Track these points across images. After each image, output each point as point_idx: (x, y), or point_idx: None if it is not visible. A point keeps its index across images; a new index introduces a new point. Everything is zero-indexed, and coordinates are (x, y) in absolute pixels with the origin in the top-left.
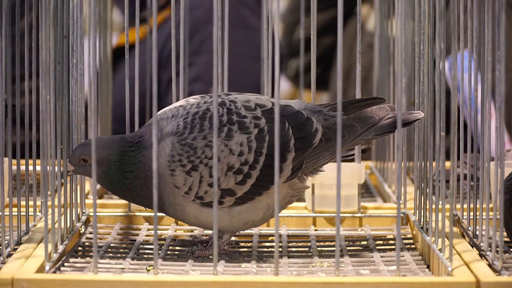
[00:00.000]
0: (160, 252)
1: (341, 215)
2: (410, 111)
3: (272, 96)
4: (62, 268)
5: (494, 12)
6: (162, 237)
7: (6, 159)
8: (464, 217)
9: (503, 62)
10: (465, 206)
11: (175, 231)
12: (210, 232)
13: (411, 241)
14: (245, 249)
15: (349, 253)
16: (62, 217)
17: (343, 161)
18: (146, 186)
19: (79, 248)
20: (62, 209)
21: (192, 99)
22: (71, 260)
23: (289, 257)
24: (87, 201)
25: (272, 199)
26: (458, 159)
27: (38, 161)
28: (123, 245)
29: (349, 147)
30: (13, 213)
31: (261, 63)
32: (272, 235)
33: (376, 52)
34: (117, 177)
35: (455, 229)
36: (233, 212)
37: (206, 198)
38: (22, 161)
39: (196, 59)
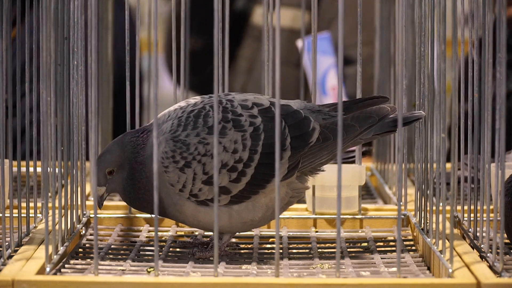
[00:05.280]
0: (160, 253)
1: (341, 216)
2: (412, 111)
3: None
4: (62, 270)
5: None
6: (163, 238)
7: (6, 161)
8: (465, 218)
9: (504, 63)
10: (465, 207)
11: (176, 233)
12: (210, 233)
13: (411, 242)
14: (245, 251)
15: (350, 254)
16: (63, 219)
17: (343, 162)
18: (145, 189)
19: (80, 249)
20: (63, 210)
21: (192, 99)
22: (72, 261)
23: (290, 258)
24: (87, 202)
25: (270, 198)
26: (459, 160)
27: (38, 163)
28: (124, 247)
29: (348, 147)
30: (14, 215)
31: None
32: (273, 237)
33: (376, 54)
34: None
35: (456, 231)
36: (232, 211)
37: (200, 196)
38: (23, 163)
39: None
